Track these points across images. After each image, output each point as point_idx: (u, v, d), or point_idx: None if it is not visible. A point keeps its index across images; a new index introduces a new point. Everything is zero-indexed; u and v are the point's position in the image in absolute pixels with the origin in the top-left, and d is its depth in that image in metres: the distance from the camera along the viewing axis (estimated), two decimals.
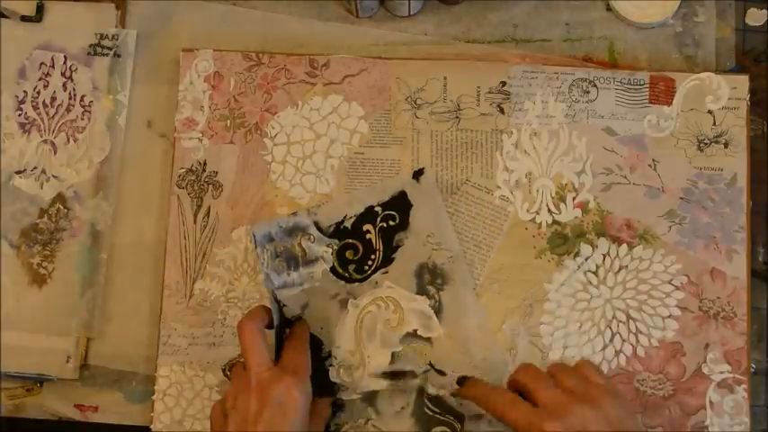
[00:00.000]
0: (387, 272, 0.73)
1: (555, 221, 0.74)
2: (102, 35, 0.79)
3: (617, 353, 0.72)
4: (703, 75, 0.75)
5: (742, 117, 0.74)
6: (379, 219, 0.74)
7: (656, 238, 0.73)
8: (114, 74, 0.78)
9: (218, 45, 0.78)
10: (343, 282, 0.73)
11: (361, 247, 0.73)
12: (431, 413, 0.71)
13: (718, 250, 0.73)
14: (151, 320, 0.75)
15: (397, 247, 0.73)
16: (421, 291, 0.73)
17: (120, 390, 0.75)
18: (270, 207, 0.75)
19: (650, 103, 0.75)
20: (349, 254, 0.73)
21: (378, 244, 0.73)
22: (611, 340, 0.72)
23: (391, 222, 0.74)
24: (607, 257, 0.73)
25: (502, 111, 0.75)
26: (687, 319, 0.72)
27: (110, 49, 0.78)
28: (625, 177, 0.74)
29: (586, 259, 0.73)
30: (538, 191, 0.74)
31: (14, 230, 0.77)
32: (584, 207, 0.74)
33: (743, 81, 0.75)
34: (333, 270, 0.73)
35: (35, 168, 0.77)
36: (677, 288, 0.73)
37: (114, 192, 0.77)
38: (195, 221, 0.75)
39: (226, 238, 0.75)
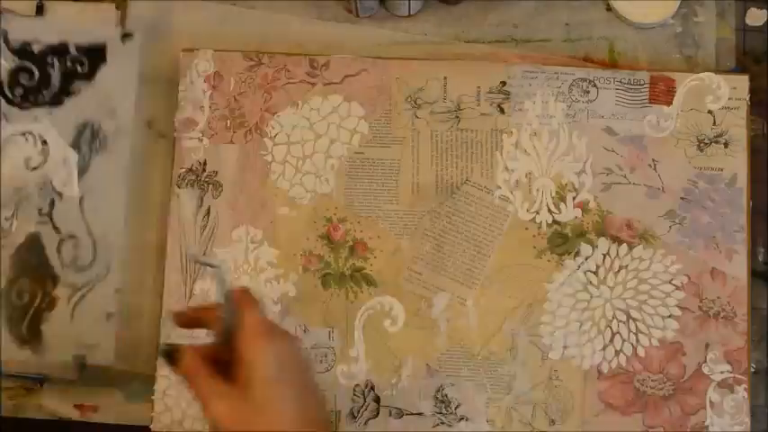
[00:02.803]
0: None
1: (555, 221, 0.74)
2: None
3: (617, 353, 0.72)
4: (703, 75, 0.75)
5: (742, 117, 0.74)
6: None
7: (656, 238, 0.73)
8: None
9: (218, 45, 0.78)
10: None
11: None
12: None
13: (718, 250, 0.73)
14: (151, 320, 0.75)
15: None
16: None
17: (119, 390, 0.75)
18: (270, 207, 0.75)
19: (650, 103, 0.75)
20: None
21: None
22: (612, 340, 0.72)
23: None
24: (607, 257, 0.73)
25: (502, 111, 0.75)
26: (687, 318, 0.72)
27: None
28: (625, 177, 0.74)
29: (586, 259, 0.73)
30: (538, 191, 0.74)
31: None
32: (584, 207, 0.74)
33: (743, 81, 0.75)
34: None
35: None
36: (677, 288, 0.73)
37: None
38: (195, 221, 0.75)
39: (226, 238, 0.75)
